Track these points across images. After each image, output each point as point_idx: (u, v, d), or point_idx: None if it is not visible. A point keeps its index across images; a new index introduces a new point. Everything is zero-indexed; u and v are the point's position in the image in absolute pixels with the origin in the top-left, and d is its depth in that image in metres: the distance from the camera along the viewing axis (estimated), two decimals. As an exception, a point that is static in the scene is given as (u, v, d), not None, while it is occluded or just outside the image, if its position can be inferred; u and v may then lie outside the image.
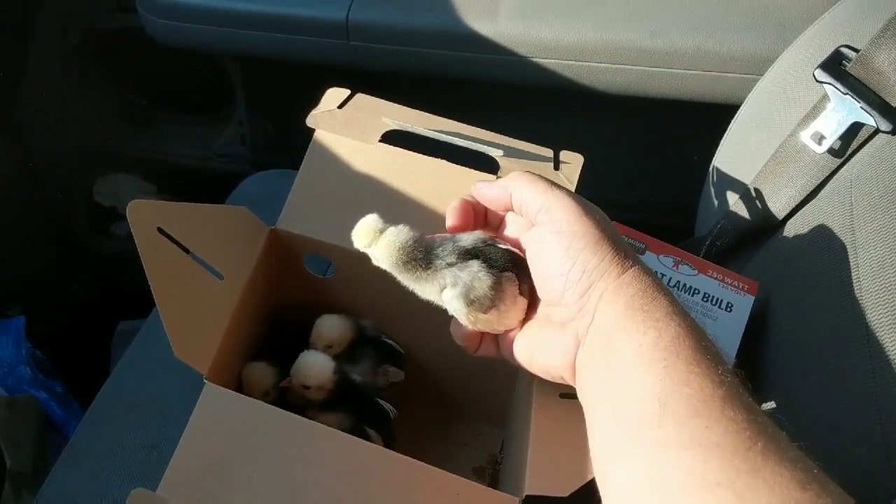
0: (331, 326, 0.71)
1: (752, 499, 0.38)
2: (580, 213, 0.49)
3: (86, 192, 1.52)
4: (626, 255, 0.49)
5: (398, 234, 0.52)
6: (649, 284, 0.47)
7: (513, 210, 0.54)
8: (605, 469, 0.46)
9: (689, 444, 0.40)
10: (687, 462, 0.40)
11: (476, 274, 0.51)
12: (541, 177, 0.53)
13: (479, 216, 0.57)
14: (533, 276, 0.51)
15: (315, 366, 0.67)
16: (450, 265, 0.52)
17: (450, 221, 0.55)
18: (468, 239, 0.53)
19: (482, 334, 0.55)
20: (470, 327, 0.53)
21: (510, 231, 0.56)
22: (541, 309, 0.53)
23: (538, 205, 0.51)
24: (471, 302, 0.51)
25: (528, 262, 0.52)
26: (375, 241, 0.53)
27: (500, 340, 0.55)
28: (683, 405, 0.42)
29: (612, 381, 0.46)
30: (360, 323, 0.73)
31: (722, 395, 0.42)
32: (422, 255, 0.52)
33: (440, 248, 0.52)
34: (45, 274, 1.46)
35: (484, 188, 0.55)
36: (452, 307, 0.52)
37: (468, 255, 0.52)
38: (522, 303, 0.53)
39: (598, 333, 0.48)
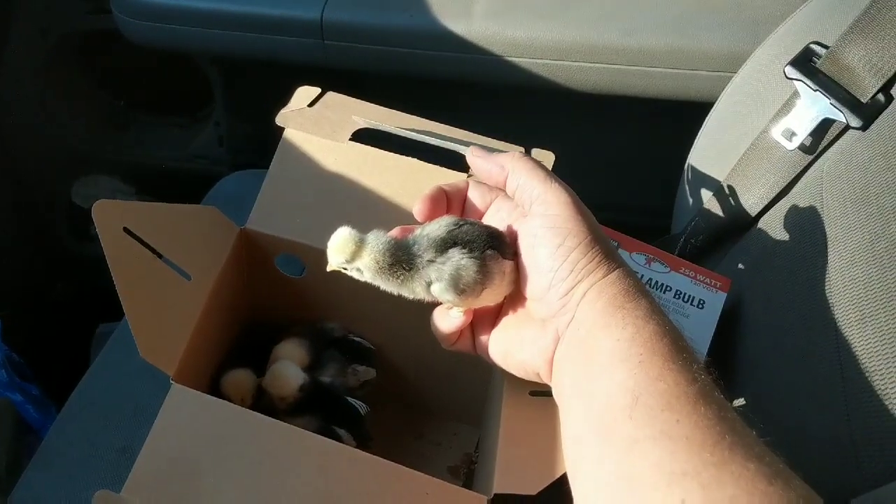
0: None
1: (717, 490, 0.38)
2: (576, 211, 0.50)
3: (64, 195, 1.51)
4: (613, 257, 0.49)
5: (379, 241, 0.51)
6: (631, 285, 0.48)
7: (502, 189, 0.54)
8: (577, 462, 0.46)
9: (659, 436, 0.41)
10: (656, 454, 0.40)
11: (459, 262, 0.50)
12: (541, 165, 0.52)
13: (453, 206, 0.56)
14: (522, 268, 0.51)
15: (280, 377, 0.67)
16: (430, 261, 0.51)
17: (421, 210, 0.54)
18: (439, 228, 0.52)
19: (460, 330, 0.55)
20: (465, 309, 0.53)
21: (498, 219, 0.55)
22: (520, 306, 0.53)
23: (535, 194, 0.51)
24: (461, 291, 0.50)
25: (521, 254, 0.51)
26: (359, 254, 0.51)
27: (476, 337, 0.55)
28: (656, 399, 0.42)
29: (587, 376, 0.46)
30: (323, 326, 0.73)
31: (695, 391, 0.42)
32: (404, 257, 0.51)
33: (416, 246, 0.51)
34: (24, 276, 1.45)
35: (479, 158, 0.54)
36: (445, 299, 0.51)
37: (445, 244, 0.51)
38: (511, 272, 0.51)
39: (577, 330, 0.48)
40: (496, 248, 0.51)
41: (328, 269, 0.52)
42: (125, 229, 0.56)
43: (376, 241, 0.51)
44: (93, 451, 0.79)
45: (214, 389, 0.67)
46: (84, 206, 1.52)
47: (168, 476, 0.51)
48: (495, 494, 0.52)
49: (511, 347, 0.53)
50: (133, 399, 0.82)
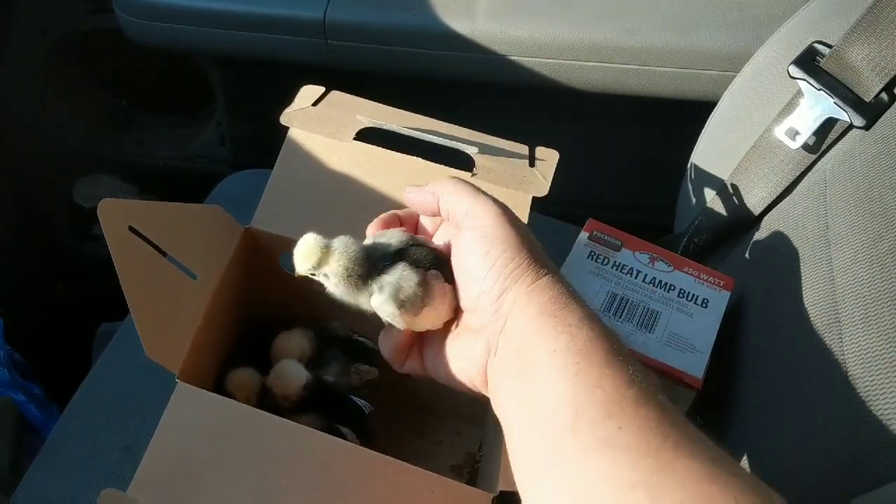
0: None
1: (664, 497, 0.38)
2: (503, 220, 0.50)
3: (66, 194, 1.51)
4: (543, 263, 0.49)
5: (348, 247, 0.51)
6: (562, 291, 0.48)
7: (440, 215, 0.54)
8: (525, 480, 0.46)
9: (603, 446, 0.41)
10: (601, 466, 0.41)
11: (402, 274, 0.51)
12: (467, 182, 0.53)
13: (409, 227, 0.57)
14: (455, 279, 0.52)
15: (284, 375, 0.67)
16: (378, 272, 0.51)
17: (372, 234, 0.55)
18: (394, 240, 0.53)
19: (409, 350, 0.55)
20: (405, 328, 0.53)
21: (441, 237, 0.56)
22: (460, 321, 0.53)
23: (464, 209, 0.51)
24: (401, 303, 0.50)
25: (453, 266, 0.52)
26: (326, 260, 0.51)
27: (425, 358, 0.55)
28: (596, 408, 0.42)
29: (526, 390, 0.46)
30: (327, 325, 0.73)
31: (634, 394, 0.42)
32: (362, 268, 0.51)
33: (371, 257, 0.52)
34: (26, 276, 1.45)
35: (412, 193, 0.55)
36: (385, 312, 0.51)
37: (394, 259, 0.52)
38: (452, 297, 0.52)
39: (510, 340, 0.48)
40: (440, 269, 0.52)
41: (296, 274, 0.53)
42: (130, 228, 0.56)
43: (345, 246, 0.51)
44: (96, 451, 0.79)
45: (219, 388, 0.67)
46: (85, 206, 1.52)
47: (174, 474, 0.51)
48: (501, 491, 0.52)
49: (452, 362, 0.52)
50: (136, 398, 0.82)
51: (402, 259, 0.52)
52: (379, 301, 0.51)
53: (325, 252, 0.51)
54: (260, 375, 0.69)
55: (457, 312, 0.53)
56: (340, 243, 0.51)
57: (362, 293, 0.52)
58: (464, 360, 0.51)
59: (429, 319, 0.52)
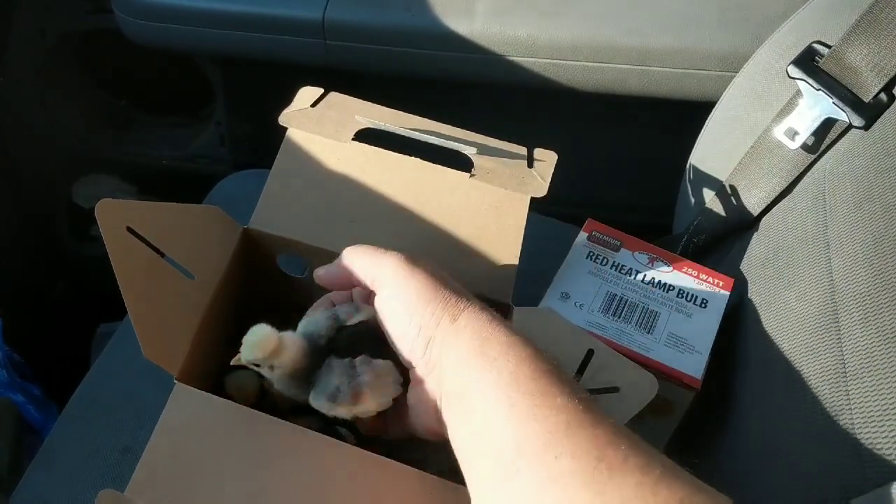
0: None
1: None
2: (406, 273, 0.51)
3: (65, 194, 1.51)
4: (458, 299, 0.50)
5: (298, 342, 0.53)
6: (483, 323, 0.49)
7: (359, 286, 0.56)
8: None
9: (545, 480, 0.41)
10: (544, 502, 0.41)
11: (331, 370, 0.52)
12: (367, 247, 0.55)
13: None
14: (390, 343, 0.53)
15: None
16: (315, 366, 0.53)
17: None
18: (322, 329, 0.54)
19: (382, 421, 0.57)
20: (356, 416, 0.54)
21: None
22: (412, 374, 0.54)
23: (371, 275, 0.53)
24: (336, 400, 0.52)
25: (384, 330, 0.53)
26: (278, 353, 0.52)
27: (402, 417, 0.56)
28: (533, 442, 0.43)
29: (470, 435, 0.47)
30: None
31: (566, 420, 0.43)
32: (308, 362, 0.53)
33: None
34: (25, 276, 1.45)
35: (323, 274, 0.57)
36: (324, 410, 0.53)
37: (322, 354, 0.54)
38: (389, 375, 0.53)
39: (448, 385, 0.49)
40: (374, 341, 0.53)
41: (233, 362, 0.53)
42: (128, 228, 0.56)
43: (294, 343, 0.53)
44: (95, 452, 0.79)
45: (217, 389, 0.67)
46: (85, 206, 1.52)
47: (172, 476, 0.50)
48: None
49: (416, 418, 0.53)
50: (135, 399, 0.82)
51: (331, 351, 0.53)
52: (316, 402, 0.53)
53: (279, 345, 0.52)
54: (258, 377, 0.69)
55: (406, 374, 0.54)
56: (291, 338, 0.53)
57: (303, 389, 0.54)
58: (423, 413, 0.52)
59: (372, 405, 0.53)
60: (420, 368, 0.51)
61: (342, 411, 0.52)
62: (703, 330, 0.67)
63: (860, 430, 0.50)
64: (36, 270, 1.48)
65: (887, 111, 0.67)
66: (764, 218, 0.77)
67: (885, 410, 0.49)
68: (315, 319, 0.55)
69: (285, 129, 0.69)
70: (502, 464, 0.44)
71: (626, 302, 0.68)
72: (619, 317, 0.67)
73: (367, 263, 0.54)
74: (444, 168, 0.67)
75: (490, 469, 0.45)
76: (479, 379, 0.47)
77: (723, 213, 0.81)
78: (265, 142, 0.79)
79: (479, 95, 1.25)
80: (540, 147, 0.70)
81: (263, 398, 0.68)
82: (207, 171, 1.46)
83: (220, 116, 1.42)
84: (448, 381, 0.49)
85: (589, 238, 0.73)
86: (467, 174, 0.66)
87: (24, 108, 1.40)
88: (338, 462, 0.52)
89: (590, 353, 0.56)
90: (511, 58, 1.07)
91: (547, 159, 0.68)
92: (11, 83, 1.34)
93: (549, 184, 0.66)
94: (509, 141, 0.70)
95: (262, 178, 0.67)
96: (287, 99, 0.71)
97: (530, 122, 1.25)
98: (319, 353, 0.53)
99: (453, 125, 0.70)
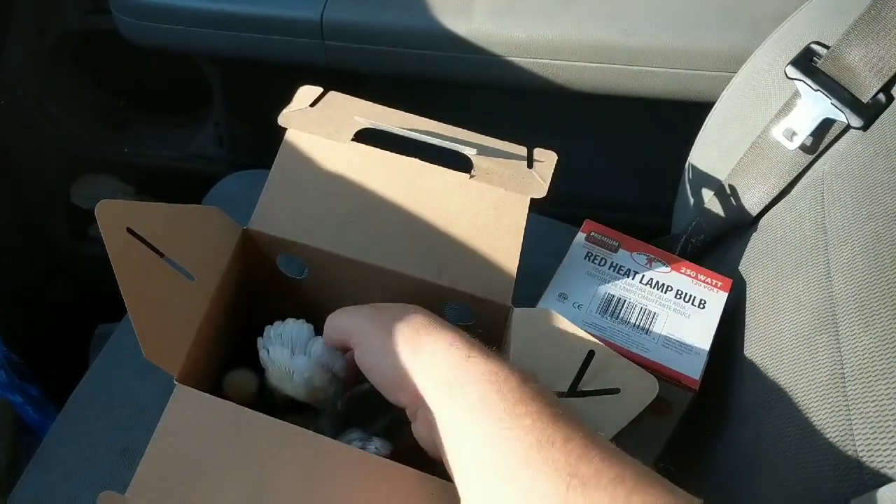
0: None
1: None
2: (369, 324, 0.55)
3: (64, 194, 1.51)
4: (419, 333, 0.52)
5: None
6: (445, 353, 0.50)
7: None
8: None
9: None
10: None
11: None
12: (342, 310, 0.59)
13: None
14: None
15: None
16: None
17: None
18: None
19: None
20: None
21: None
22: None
23: (346, 336, 0.57)
24: None
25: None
26: None
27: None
28: (510, 464, 0.44)
29: (454, 462, 0.48)
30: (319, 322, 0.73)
31: (536, 440, 0.44)
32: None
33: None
34: (23, 276, 1.44)
35: (325, 347, 0.61)
36: None
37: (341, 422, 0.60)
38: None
39: (431, 417, 0.50)
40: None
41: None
42: (128, 230, 0.56)
43: None
44: (92, 452, 0.79)
45: (216, 389, 0.67)
46: (83, 206, 1.52)
47: (172, 478, 0.50)
48: None
49: (427, 450, 0.54)
50: (133, 400, 0.82)
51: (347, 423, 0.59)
52: None
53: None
54: (258, 377, 0.69)
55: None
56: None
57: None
58: (426, 445, 0.53)
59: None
60: (409, 408, 0.52)
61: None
62: (702, 331, 0.67)
63: (858, 432, 0.50)
64: (34, 270, 1.48)
65: (886, 112, 0.67)
66: (762, 219, 0.77)
67: (883, 412, 0.49)
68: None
69: (284, 129, 0.69)
70: (484, 489, 0.45)
71: (624, 303, 0.68)
72: (618, 317, 0.67)
73: (340, 326, 0.58)
74: (444, 169, 0.67)
75: (477, 494, 0.46)
76: (449, 409, 0.48)
77: (721, 213, 0.81)
78: (264, 142, 0.79)
79: (476, 96, 1.25)
80: (539, 147, 0.70)
81: (262, 397, 0.68)
82: (206, 171, 1.46)
83: (219, 116, 1.42)
84: (429, 412, 0.50)
85: (587, 239, 0.73)
86: (467, 175, 0.66)
87: (23, 107, 1.40)
88: (341, 465, 0.52)
89: (590, 354, 0.55)
90: (509, 58, 1.07)
91: (547, 160, 0.68)
92: (10, 83, 1.33)
93: (548, 184, 0.66)
94: (508, 141, 0.70)
95: (259, 178, 0.67)
96: (285, 99, 0.71)
97: (528, 122, 1.25)
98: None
99: (453, 125, 0.70)
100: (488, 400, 0.46)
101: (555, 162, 0.68)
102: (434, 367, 0.50)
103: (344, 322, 0.58)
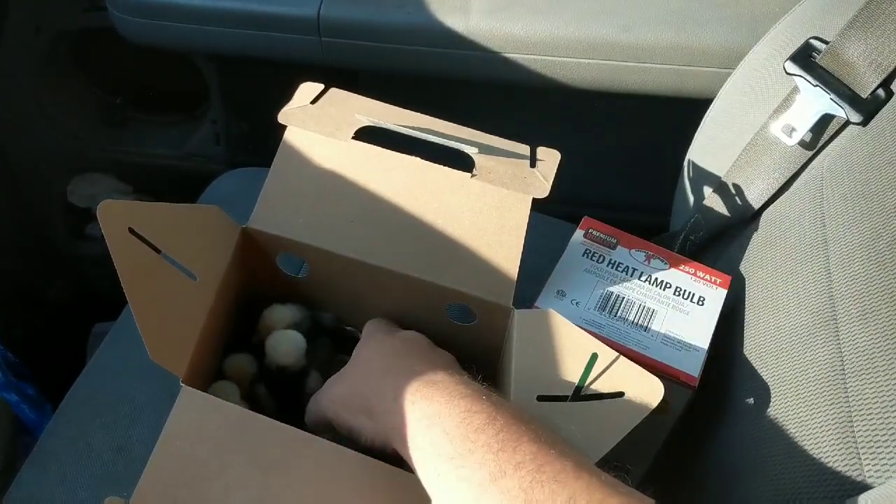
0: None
1: None
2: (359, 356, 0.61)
3: (61, 193, 1.51)
4: (397, 356, 0.57)
5: None
6: (420, 368, 0.53)
7: None
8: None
9: None
10: None
11: None
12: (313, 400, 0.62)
13: None
14: None
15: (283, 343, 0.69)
16: None
17: None
18: None
19: None
20: None
21: None
22: None
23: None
24: None
25: None
26: None
27: None
28: (465, 500, 0.46)
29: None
30: (315, 314, 0.73)
31: (488, 473, 0.45)
32: None
33: None
34: (20, 276, 1.44)
35: None
36: None
37: None
38: None
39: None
40: None
41: None
42: (130, 229, 0.55)
43: None
44: (88, 451, 0.79)
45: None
46: (80, 205, 1.51)
47: (178, 481, 0.50)
48: None
49: None
50: (129, 399, 0.82)
51: None
52: None
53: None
54: (256, 362, 0.69)
55: None
56: None
57: None
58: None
59: None
60: (388, 448, 0.54)
61: None
62: (701, 328, 0.67)
63: (859, 427, 0.50)
64: (31, 269, 1.48)
65: (885, 107, 0.67)
66: (762, 214, 0.77)
67: (883, 407, 0.49)
68: None
69: (282, 126, 0.69)
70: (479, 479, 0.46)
71: (622, 300, 0.68)
72: (616, 315, 0.67)
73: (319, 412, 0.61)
74: (445, 168, 0.66)
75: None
76: (408, 452, 0.50)
77: (720, 210, 0.81)
78: (261, 140, 0.79)
79: (475, 93, 1.24)
80: (543, 146, 0.69)
81: (260, 380, 0.68)
82: (203, 169, 1.45)
83: (216, 114, 1.41)
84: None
85: (585, 236, 0.73)
86: (468, 174, 0.65)
87: (20, 106, 1.39)
88: (346, 469, 0.52)
89: (593, 356, 0.55)
90: (506, 55, 1.07)
91: (549, 159, 0.68)
92: (6, 81, 1.33)
93: (551, 184, 0.65)
94: (508, 139, 0.70)
95: (257, 176, 0.67)
96: (282, 97, 0.71)
97: (527, 120, 1.25)
98: None
99: (452, 122, 0.70)
100: (439, 443, 0.48)
101: (558, 160, 0.68)
102: (410, 380, 0.52)
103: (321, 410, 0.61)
